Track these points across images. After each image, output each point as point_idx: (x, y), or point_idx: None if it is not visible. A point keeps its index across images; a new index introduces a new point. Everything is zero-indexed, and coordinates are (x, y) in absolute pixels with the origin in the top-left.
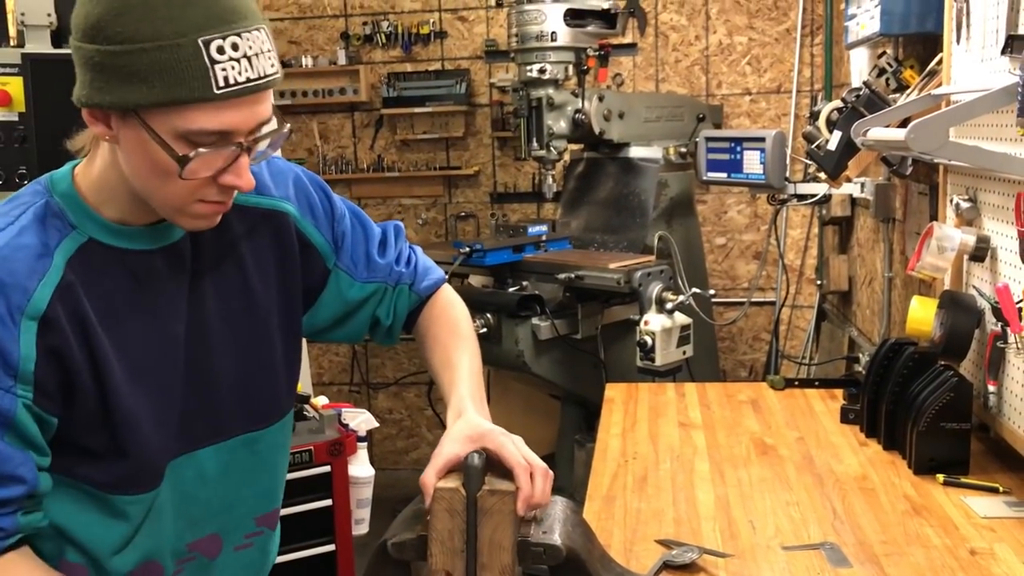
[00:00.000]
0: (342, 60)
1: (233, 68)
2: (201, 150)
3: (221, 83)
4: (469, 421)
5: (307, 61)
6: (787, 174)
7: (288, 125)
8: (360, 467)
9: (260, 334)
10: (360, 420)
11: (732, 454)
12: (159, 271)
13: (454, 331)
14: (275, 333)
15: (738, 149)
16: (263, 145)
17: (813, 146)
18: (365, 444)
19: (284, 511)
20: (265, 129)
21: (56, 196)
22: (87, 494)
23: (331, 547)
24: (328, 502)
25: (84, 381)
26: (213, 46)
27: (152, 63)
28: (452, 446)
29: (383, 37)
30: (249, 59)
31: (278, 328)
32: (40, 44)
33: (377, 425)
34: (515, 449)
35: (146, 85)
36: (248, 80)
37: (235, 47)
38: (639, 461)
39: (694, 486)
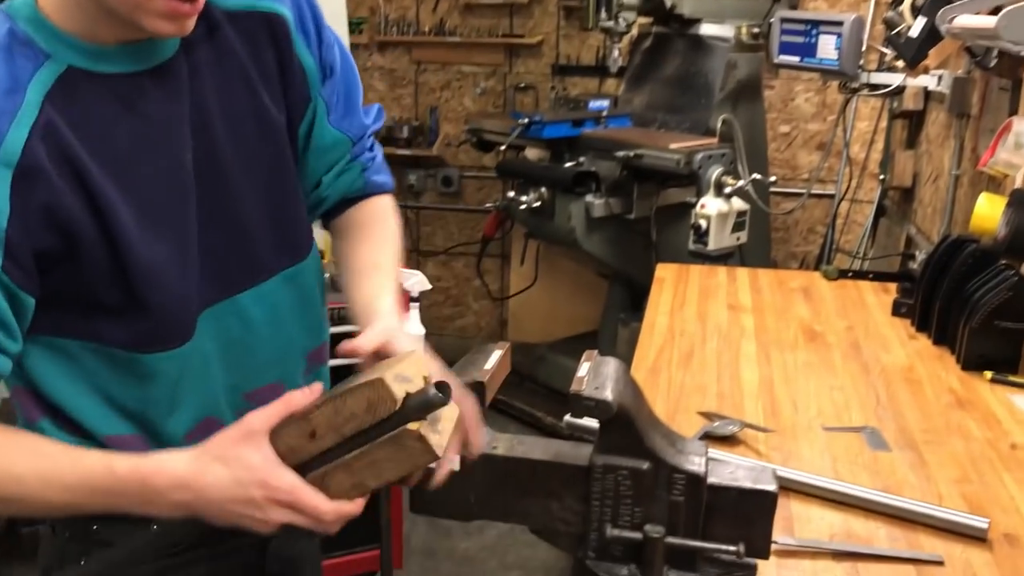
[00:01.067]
0: None
1: None
2: None
3: None
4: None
5: None
6: (861, 62)
7: None
8: (411, 326)
9: (278, 157)
10: (413, 281)
11: (779, 338)
12: (152, 95)
13: (390, 238)
14: (290, 154)
15: (814, 32)
16: None
17: (893, 32)
18: (417, 305)
19: (335, 363)
20: None
21: (20, 22)
22: (113, 357)
23: None
24: None
25: (87, 232)
26: None
27: None
28: (404, 339)
29: None
30: None
31: (291, 150)
32: None
33: (429, 287)
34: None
35: None
36: None
37: None
38: (686, 338)
39: (739, 365)
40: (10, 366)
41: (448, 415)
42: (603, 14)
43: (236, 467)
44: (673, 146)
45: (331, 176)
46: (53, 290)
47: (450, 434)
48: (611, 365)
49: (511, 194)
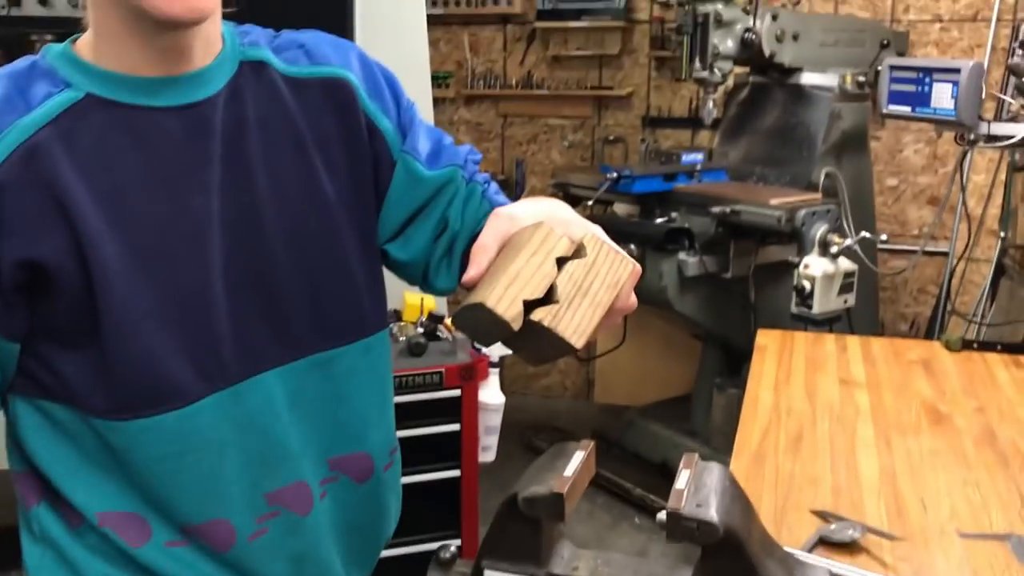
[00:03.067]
0: None
1: None
2: None
3: None
4: None
5: None
6: (980, 112)
7: None
8: (491, 393)
9: (329, 227)
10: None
11: (900, 420)
12: (172, 133)
13: None
14: (347, 229)
15: (927, 80)
16: None
17: (1022, 79)
18: (497, 370)
19: (411, 432)
20: None
21: (48, 57)
22: (95, 428)
23: (456, 472)
24: (456, 427)
25: (63, 264)
26: None
27: None
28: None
29: None
30: None
31: (350, 224)
32: None
33: (510, 352)
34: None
35: None
36: None
37: None
38: (793, 418)
39: (856, 452)
40: None
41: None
42: (697, 64)
43: None
44: (773, 201)
45: (456, 210)
46: (28, 330)
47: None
48: (715, 474)
49: None
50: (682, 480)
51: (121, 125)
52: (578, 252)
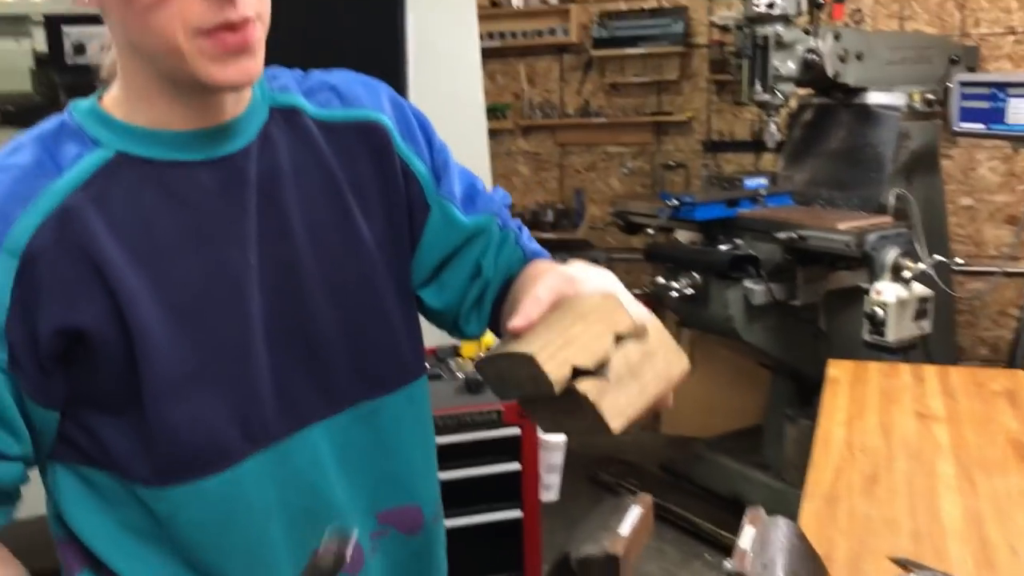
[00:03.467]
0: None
1: None
2: None
3: None
4: None
5: (517, 1)
6: None
7: None
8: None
9: (367, 274)
10: None
11: (984, 456)
12: (207, 187)
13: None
14: (385, 275)
15: (1001, 96)
16: None
17: None
18: None
19: (470, 472)
20: None
21: (76, 115)
22: (138, 496)
23: (518, 513)
24: (516, 466)
25: (102, 328)
26: None
27: None
28: (588, 283)
29: None
30: None
31: (387, 270)
32: None
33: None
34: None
35: None
36: None
37: None
38: (868, 456)
39: (936, 493)
40: (19, 472)
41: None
42: (758, 87)
43: None
44: (842, 226)
45: (490, 257)
46: (66, 397)
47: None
48: (781, 531)
49: (660, 280)
50: (746, 538)
51: (154, 182)
52: (638, 334)
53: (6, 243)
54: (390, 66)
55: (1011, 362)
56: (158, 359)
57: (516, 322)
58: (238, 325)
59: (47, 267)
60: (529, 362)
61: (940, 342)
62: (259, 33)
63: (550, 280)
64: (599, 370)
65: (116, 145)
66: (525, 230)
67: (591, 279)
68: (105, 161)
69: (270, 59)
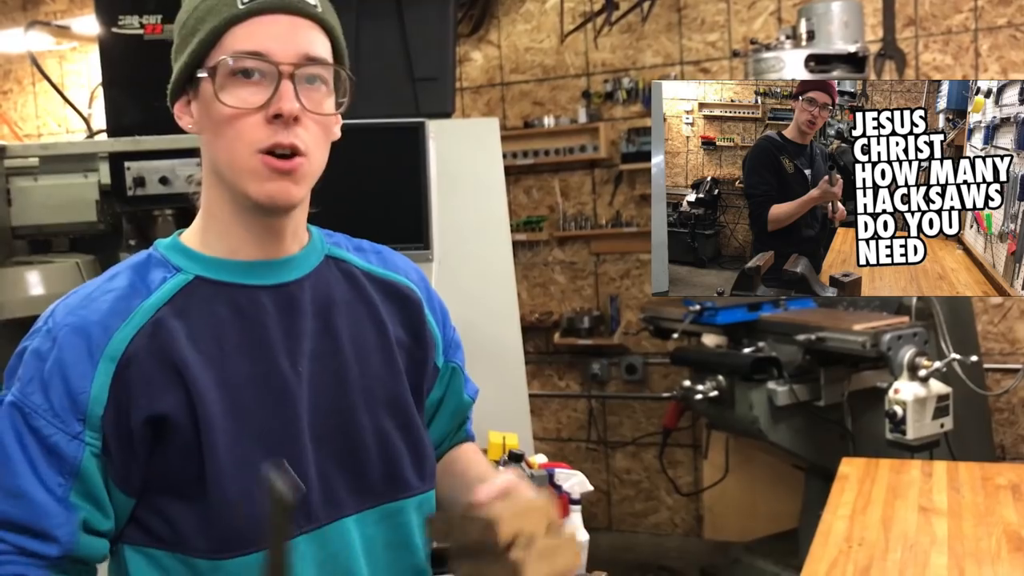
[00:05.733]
0: (583, 118)
1: None
2: (227, 59)
3: (245, 0)
4: None
5: (549, 121)
6: None
7: (349, 73)
8: (574, 530)
9: (399, 393)
10: (573, 482)
11: (977, 548)
12: (267, 308)
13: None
14: (412, 398)
15: None
16: (308, 73)
17: None
18: (579, 507)
19: None
20: (314, 68)
21: (161, 249)
22: (198, 570)
23: None
24: None
25: (178, 419)
26: None
27: (200, 15)
28: (527, 488)
29: (624, 93)
30: None
31: (414, 394)
32: None
33: (591, 489)
34: None
35: (196, 36)
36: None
37: None
38: (865, 548)
39: None
40: (105, 548)
41: (563, 561)
42: None
43: None
44: (857, 327)
45: (453, 432)
46: (143, 482)
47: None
48: None
49: (687, 383)
50: None
51: (224, 300)
52: (559, 531)
53: (107, 351)
54: (413, 191)
55: None
56: (220, 446)
57: (481, 495)
58: (288, 423)
59: (141, 368)
60: (487, 526)
61: (975, 441)
62: (305, 167)
63: (505, 475)
64: (529, 544)
65: (194, 271)
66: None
67: (528, 486)
68: (185, 283)
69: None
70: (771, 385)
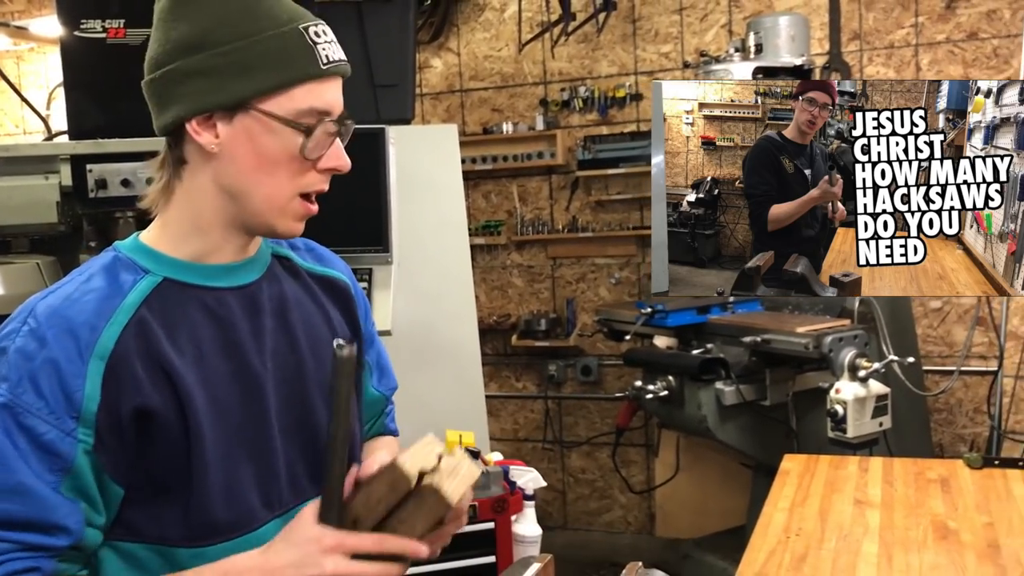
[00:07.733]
0: (540, 125)
1: (328, 48)
2: (330, 122)
3: (324, 60)
4: None
5: (507, 127)
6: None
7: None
8: (526, 526)
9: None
10: (528, 478)
11: (906, 537)
12: (233, 308)
13: None
14: (355, 387)
15: None
16: (350, 128)
17: None
18: (532, 503)
19: (446, 565)
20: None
21: (123, 251)
22: (176, 560)
23: None
24: (491, 559)
25: (165, 414)
26: (311, 31)
27: (264, 52)
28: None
29: (580, 102)
30: (335, 43)
31: (357, 384)
32: None
33: (544, 484)
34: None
35: (260, 73)
36: (340, 60)
37: (325, 32)
38: (801, 538)
39: (856, 570)
40: (100, 538)
41: (466, 473)
42: None
43: (291, 537)
44: (801, 329)
45: (368, 426)
46: (132, 472)
47: (465, 488)
48: None
49: (638, 383)
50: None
51: (195, 302)
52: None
53: (96, 350)
54: (374, 195)
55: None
56: (205, 439)
57: (364, 471)
58: (260, 417)
59: (126, 367)
60: (392, 473)
61: (915, 439)
62: None
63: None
64: (434, 471)
65: (162, 272)
66: (394, 410)
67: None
68: (156, 284)
69: None
70: (719, 385)
